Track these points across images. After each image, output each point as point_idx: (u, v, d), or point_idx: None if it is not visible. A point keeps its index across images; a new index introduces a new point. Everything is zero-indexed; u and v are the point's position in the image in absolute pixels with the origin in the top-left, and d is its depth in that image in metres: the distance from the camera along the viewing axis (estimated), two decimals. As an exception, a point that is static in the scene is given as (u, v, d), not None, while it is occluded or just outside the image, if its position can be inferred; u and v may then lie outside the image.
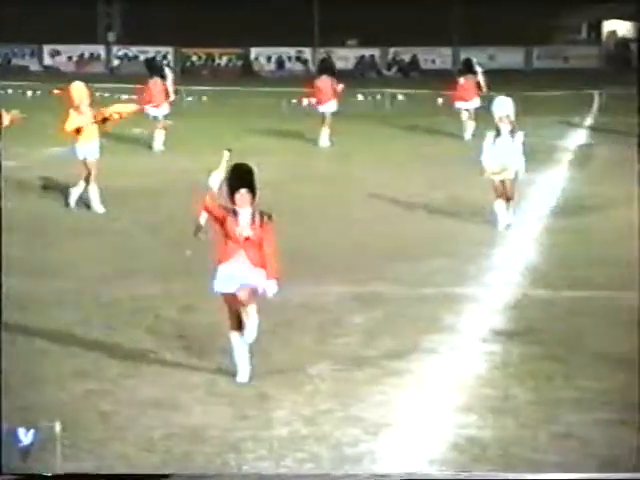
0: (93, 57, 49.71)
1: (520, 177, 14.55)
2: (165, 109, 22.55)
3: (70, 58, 48.81)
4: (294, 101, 29.48)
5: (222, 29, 45.55)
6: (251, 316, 8.62)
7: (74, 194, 15.83)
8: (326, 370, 8.99)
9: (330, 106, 23.27)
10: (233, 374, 8.69)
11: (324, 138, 23.28)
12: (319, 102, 23.36)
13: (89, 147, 15.71)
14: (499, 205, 14.37)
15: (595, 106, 30.82)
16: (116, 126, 17.08)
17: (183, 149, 21.84)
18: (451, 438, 7.62)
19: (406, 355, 9.33)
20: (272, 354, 9.18)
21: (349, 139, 23.38)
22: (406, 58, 49.62)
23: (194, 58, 50.40)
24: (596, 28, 53.78)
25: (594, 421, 7.89)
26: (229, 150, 9.10)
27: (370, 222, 14.93)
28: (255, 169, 8.69)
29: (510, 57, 48.47)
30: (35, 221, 14.95)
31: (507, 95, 15.00)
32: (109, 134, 17.65)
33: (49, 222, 14.98)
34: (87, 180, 15.72)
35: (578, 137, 24.97)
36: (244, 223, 8.64)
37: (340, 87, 23.38)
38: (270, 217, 8.72)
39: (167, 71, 23.36)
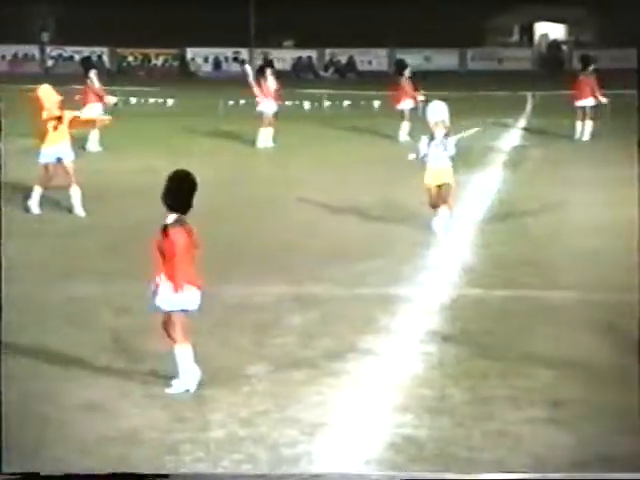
0: (27, 57, 49.21)
1: (452, 182, 14.47)
2: (98, 109, 22.37)
3: (3, 57, 48.28)
4: (231, 102, 29.41)
5: (158, 29, 45.33)
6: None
7: (35, 198, 15.45)
8: (263, 371, 8.99)
9: (270, 106, 23.26)
10: (170, 377, 8.63)
11: (262, 139, 23.27)
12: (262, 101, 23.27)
13: (62, 148, 15.30)
14: (438, 217, 14.18)
15: (528, 107, 31.13)
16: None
17: (119, 150, 21.69)
18: (388, 438, 7.66)
19: (343, 355, 9.36)
20: (209, 355, 9.16)
21: (288, 140, 23.38)
22: (343, 59, 49.80)
23: (130, 58, 50.11)
24: (528, 31, 54.44)
25: (528, 419, 8.00)
26: None
27: (307, 223, 14.96)
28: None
29: (445, 59, 48.89)
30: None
31: (441, 99, 15.04)
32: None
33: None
34: (43, 185, 15.36)
35: (512, 138, 25.20)
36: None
37: (277, 87, 23.43)
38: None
39: (92, 73, 23.02)
